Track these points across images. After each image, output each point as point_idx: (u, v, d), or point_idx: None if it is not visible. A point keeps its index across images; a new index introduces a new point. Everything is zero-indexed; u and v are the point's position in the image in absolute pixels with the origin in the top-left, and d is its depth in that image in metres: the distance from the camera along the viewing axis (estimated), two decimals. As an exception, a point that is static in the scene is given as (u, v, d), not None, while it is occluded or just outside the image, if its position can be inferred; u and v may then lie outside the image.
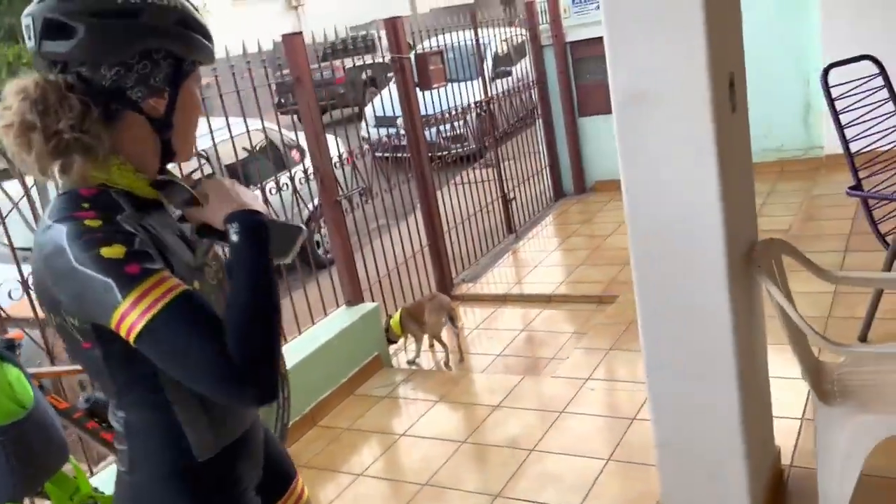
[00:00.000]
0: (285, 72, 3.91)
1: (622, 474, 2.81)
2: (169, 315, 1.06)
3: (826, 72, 3.14)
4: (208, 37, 1.25)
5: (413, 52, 4.93)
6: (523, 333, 4.35)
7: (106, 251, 1.07)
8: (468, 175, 5.81)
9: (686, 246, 2.07)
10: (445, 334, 4.14)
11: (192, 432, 1.24)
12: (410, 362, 4.17)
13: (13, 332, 2.34)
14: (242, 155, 4.77)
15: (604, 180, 6.69)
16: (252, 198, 1.23)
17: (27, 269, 2.67)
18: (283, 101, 7.27)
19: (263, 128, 4.10)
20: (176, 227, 1.27)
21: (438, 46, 5.31)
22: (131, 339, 1.08)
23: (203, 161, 3.96)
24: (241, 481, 1.34)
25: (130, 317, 1.05)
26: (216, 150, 3.71)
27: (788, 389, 2.77)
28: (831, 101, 3.10)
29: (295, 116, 6.29)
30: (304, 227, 1.34)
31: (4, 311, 2.65)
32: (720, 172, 1.96)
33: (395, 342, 4.25)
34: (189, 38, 1.21)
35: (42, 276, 1.16)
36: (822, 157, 5.88)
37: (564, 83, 6.58)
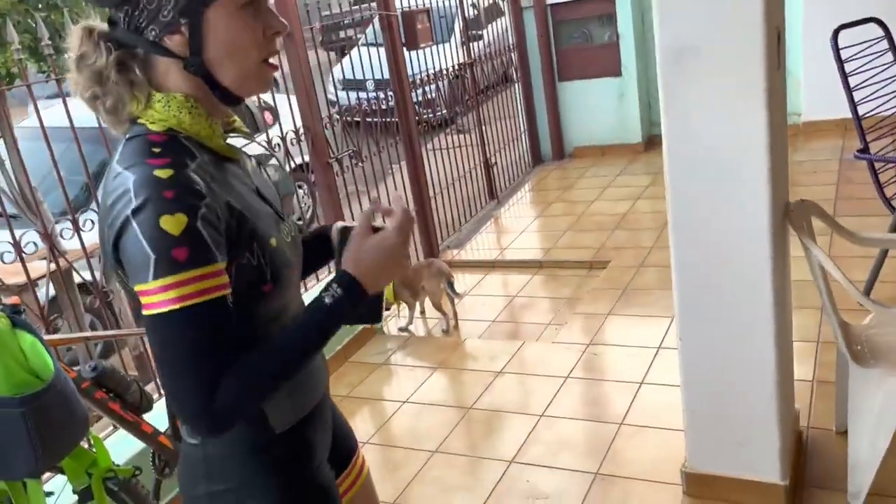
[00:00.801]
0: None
1: (638, 438, 2.79)
2: (184, 316, 0.98)
3: (836, 33, 3.12)
4: None
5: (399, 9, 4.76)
6: (516, 299, 4.30)
7: (165, 221, 0.97)
8: (442, 141, 5.70)
9: (729, 205, 2.02)
10: (444, 301, 4.06)
11: (270, 405, 1.16)
12: (403, 329, 4.09)
13: (11, 298, 2.18)
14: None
15: (583, 146, 6.66)
16: (377, 265, 1.10)
17: (19, 231, 2.51)
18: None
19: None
20: (251, 183, 1.17)
21: (423, 5, 5.15)
22: (143, 312, 0.99)
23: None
24: (316, 453, 1.26)
25: (153, 297, 0.98)
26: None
27: (797, 352, 2.78)
28: (841, 64, 3.08)
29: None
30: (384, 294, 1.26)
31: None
32: (769, 129, 1.91)
33: (388, 309, 4.16)
34: None
35: (104, 226, 1.05)
36: (799, 123, 5.93)
37: (545, 47, 6.47)
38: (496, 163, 6.02)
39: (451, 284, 3.97)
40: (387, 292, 4.01)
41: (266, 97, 6.24)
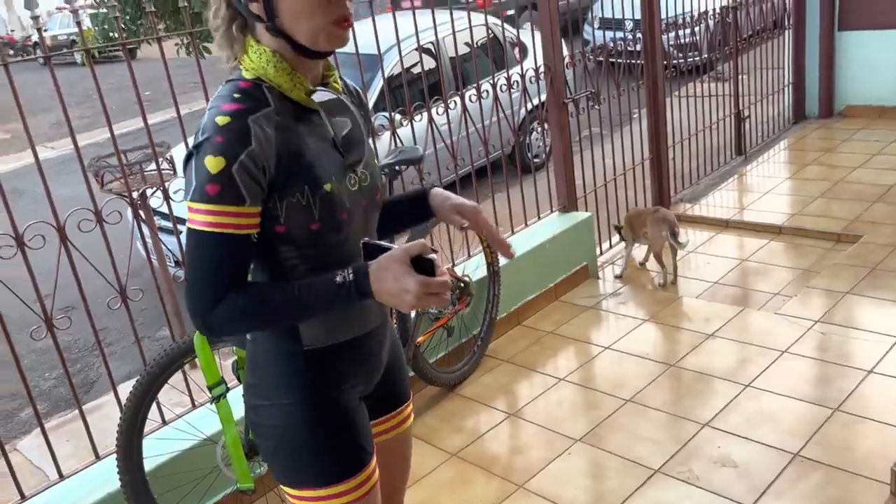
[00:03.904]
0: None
1: (851, 428, 2.58)
2: (202, 239, 1.19)
3: None
4: None
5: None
6: (745, 263, 4.06)
7: (209, 160, 1.17)
8: (696, 87, 5.39)
9: None
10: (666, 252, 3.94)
11: (304, 324, 1.34)
12: (618, 276, 4.06)
13: None
14: (464, 50, 4.78)
15: (857, 105, 5.95)
16: (388, 290, 1.18)
17: None
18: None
19: (486, 23, 4.01)
20: (328, 134, 1.31)
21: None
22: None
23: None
24: (344, 379, 1.40)
25: (190, 214, 1.20)
26: (438, 44, 3.70)
27: None
28: None
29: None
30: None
31: None
32: None
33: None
34: None
35: None
36: None
37: (827, -10, 5.80)
38: (749, 116, 5.60)
39: (674, 234, 3.84)
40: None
41: (519, 33, 6.34)
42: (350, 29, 1.26)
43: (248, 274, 1.29)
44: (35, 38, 18.96)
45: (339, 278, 1.20)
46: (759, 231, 4.39)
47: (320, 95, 1.32)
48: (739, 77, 5.49)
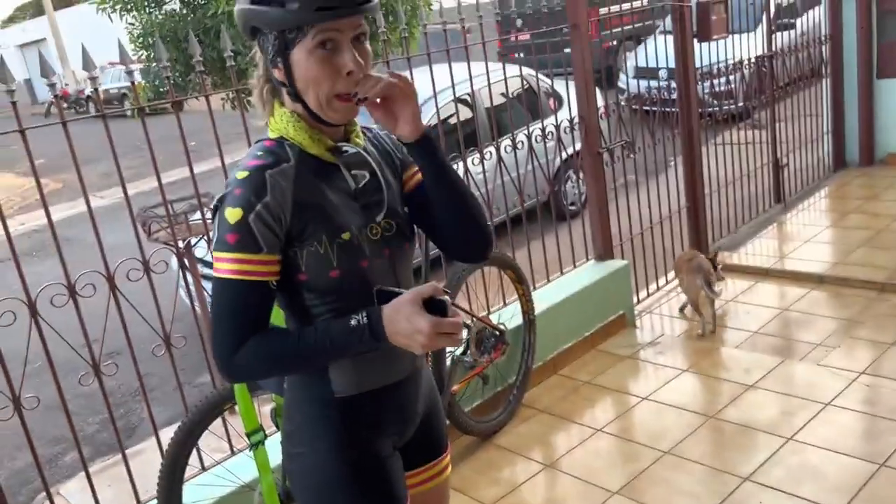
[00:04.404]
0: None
1: (900, 485, 2.50)
2: (223, 286, 1.26)
3: None
4: (282, 2, 1.23)
5: (694, -1, 4.60)
6: (785, 313, 3.99)
7: (228, 211, 1.25)
8: (733, 135, 5.39)
9: None
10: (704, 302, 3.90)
11: (335, 370, 1.38)
12: (682, 308, 4.04)
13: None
14: (499, 100, 4.87)
15: (899, 153, 5.88)
16: (400, 332, 1.21)
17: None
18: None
19: (521, 74, 4.08)
20: (348, 188, 1.37)
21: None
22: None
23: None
24: (378, 427, 1.42)
25: (214, 263, 1.27)
26: (473, 95, 3.79)
27: None
28: None
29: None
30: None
31: None
32: None
33: None
34: (259, 13, 1.26)
35: None
36: None
37: (864, 38, 5.79)
38: (787, 163, 5.56)
39: (708, 283, 3.81)
40: None
41: (553, 84, 6.43)
42: (352, 104, 1.30)
43: (275, 323, 1.34)
44: (87, 90, 19.79)
45: (353, 322, 1.23)
46: (799, 280, 4.32)
47: (347, 151, 1.37)
48: (777, 125, 5.48)
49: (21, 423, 2.20)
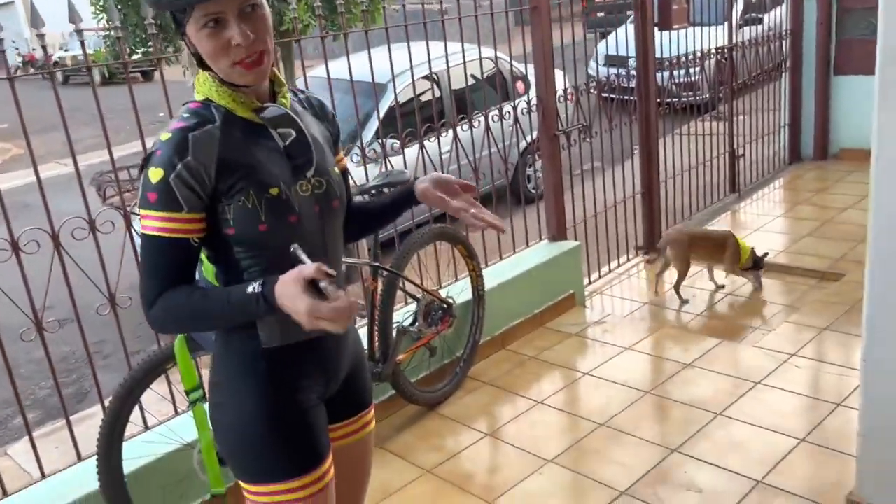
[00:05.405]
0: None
1: (815, 459, 2.64)
2: (146, 242, 1.34)
3: None
4: None
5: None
6: (730, 297, 4.13)
7: (151, 171, 1.32)
8: (694, 126, 5.50)
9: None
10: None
11: (262, 324, 1.43)
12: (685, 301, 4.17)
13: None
14: (470, 81, 4.91)
15: (851, 148, 6.04)
16: (286, 307, 1.26)
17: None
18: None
19: (495, 56, 4.14)
20: (277, 146, 1.42)
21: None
22: None
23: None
24: (302, 378, 1.49)
25: (140, 220, 1.35)
26: (448, 75, 3.84)
27: None
28: None
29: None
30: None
31: None
32: None
33: None
34: None
35: None
36: None
37: (823, 36, 5.93)
38: (743, 154, 5.70)
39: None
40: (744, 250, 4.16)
41: (521, 67, 6.49)
42: (258, 67, 1.35)
43: (207, 276, 1.40)
44: (55, 57, 19.37)
45: (250, 289, 1.29)
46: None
47: (270, 111, 1.43)
48: (736, 117, 5.60)
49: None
